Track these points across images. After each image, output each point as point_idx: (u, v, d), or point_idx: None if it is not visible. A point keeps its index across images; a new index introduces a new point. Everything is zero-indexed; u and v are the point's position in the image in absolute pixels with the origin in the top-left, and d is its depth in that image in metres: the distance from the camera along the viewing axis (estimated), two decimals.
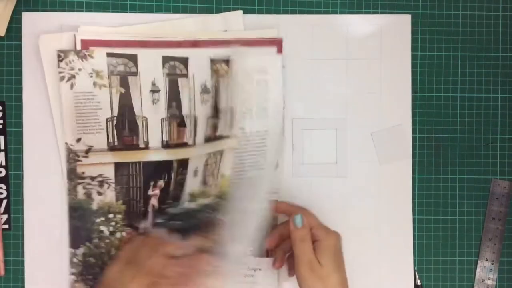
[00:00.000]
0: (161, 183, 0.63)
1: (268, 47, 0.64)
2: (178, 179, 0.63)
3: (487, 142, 0.67)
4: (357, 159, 0.66)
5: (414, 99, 0.66)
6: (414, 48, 0.66)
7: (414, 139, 0.66)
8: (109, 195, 0.62)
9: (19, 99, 0.64)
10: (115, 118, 0.62)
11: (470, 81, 0.67)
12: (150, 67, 0.62)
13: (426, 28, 0.66)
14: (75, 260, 0.62)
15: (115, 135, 0.62)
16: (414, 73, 0.66)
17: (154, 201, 0.63)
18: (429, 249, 0.66)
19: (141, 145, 0.62)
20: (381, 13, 0.66)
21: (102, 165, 0.62)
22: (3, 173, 0.64)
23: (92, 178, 0.62)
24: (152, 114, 0.63)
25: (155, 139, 0.63)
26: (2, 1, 0.62)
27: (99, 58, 0.61)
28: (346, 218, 0.65)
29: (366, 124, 0.66)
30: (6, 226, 0.64)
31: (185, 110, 0.63)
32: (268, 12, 0.65)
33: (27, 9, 0.64)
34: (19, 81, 0.64)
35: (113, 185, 0.62)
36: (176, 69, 0.63)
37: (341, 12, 0.66)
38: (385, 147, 0.66)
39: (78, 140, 0.61)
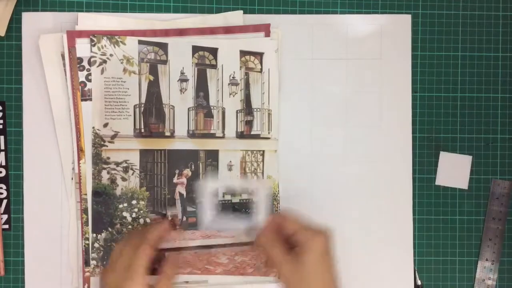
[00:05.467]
0: (187, 172, 0.63)
1: (255, 33, 0.64)
2: (208, 170, 0.64)
3: (487, 142, 0.67)
4: (357, 159, 0.66)
5: (414, 99, 0.66)
6: (414, 48, 0.66)
7: (414, 139, 0.66)
8: (133, 181, 0.63)
9: (19, 99, 0.64)
10: (142, 105, 0.63)
11: (470, 81, 0.67)
12: (180, 56, 0.63)
13: (426, 28, 0.66)
14: (96, 245, 0.62)
15: (142, 122, 0.63)
16: (414, 73, 0.66)
17: (181, 190, 0.64)
18: (429, 249, 0.66)
19: (167, 133, 0.63)
20: (381, 13, 0.66)
21: (128, 151, 0.63)
22: (3, 173, 0.64)
23: (117, 164, 0.62)
24: (179, 103, 0.63)
25: (181, 128, 0.63)
26: (2, 1, 0.62)
27: (131, 45, 0.62)
28: (346, 218, 0.65)
29: (366, 124, 0.66)
30: (6, 226, 0.64)
31: (212, 101, 0.64)
32: (268, 12, 0.65)
33: (27, 9, 0.64)
34: (19, 81, 0.64)
35: (138, 171, 0.63)
36: (205, 59, 0.63)
37: (341, 12, 0.66)
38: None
39: (105, 125, 0.62)
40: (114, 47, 0.62)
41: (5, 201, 0.64)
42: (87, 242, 0.62)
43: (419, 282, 0.66)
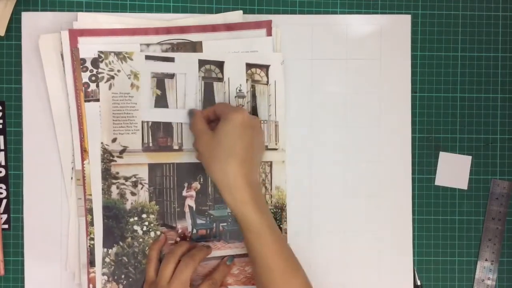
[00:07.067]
0: (195, 184, 0.64)
1: (257, 30, 0.64)
2: None
3: (487, 142, 0.67)
4: (357, 159, 0.66)
5: (414, 99, 0.66)
6: (414, 48, 0.66)
7: (414, 139, 0.66)
8: (143, 195, 0.63)
9: (19, 99, 0.64)
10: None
11: (470, 81, 0.67)
12: (187, 70, 0.63)
13: (426, 28, 0.66)
14: (107, 259, 0.62)
15: (150, 136, 0.63)
16: (414, 73, 0.66)
17: (190, 202, 0.64)
18: (429, 249, 0.66)
19: (175, 147, 0.63)
20: (381, 13, 0.66)
21: (136, 165, 0.63)
22: (3, 173, 0.64)
23: (126, 179, 0.63)
24: (187, 116, 0.63)
25: (189, 141, 0.63)
26: (2, 1, 0.62)
27: (138, 60, 0.62)
28: (346, 218, 0.65)
29: (365, 124, 0.66)
30: (6, 226, 0.64)
31: None
32: (268, 12, 0.65)
33: (27, 9, 0.64)
34: (19, 81, 0.64)
35: (147, 185, 0.63)
36: (211, 73, 0.63)
37: (341, 12, 0.66)
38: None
39: (114, 140, 0.62)
40: (122, 62, 0.62)
41: (4, 201, 0.64)
42: (92, 242, 0.62)
43: (418, 282, 0.66)
